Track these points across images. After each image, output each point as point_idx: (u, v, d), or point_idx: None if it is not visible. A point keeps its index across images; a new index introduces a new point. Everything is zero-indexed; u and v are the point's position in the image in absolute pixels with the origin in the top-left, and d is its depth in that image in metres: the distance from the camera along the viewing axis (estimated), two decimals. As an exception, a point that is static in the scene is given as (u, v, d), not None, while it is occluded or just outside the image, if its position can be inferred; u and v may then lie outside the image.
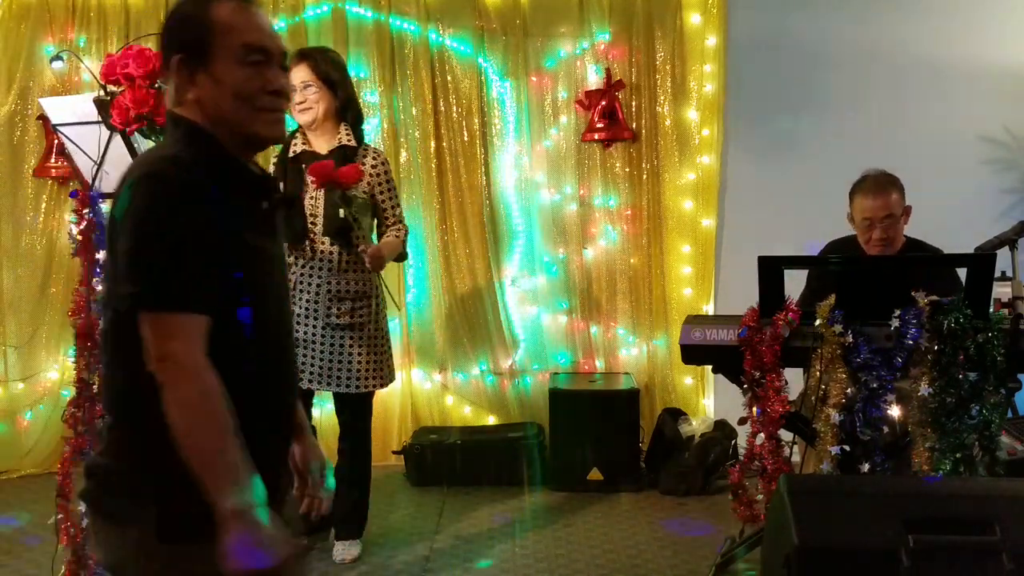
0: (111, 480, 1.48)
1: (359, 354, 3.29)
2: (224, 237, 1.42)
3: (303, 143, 3.30)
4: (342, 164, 3.17)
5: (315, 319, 3.27)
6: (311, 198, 3.26)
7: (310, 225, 3.25)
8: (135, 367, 1.42)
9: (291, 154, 3.31)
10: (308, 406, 3.49)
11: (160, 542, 1.40)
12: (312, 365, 3.28)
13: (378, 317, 3.37)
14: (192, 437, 1.34)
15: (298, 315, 3.28)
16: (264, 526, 1.34)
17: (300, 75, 3.22)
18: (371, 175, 3.29)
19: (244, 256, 1.46)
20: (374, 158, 3.32)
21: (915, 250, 3.20)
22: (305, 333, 3.28)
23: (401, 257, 3.45)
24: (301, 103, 3.23)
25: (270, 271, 1.55)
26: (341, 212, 3.17)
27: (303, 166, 3.25)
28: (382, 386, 3.41)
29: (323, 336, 3.27)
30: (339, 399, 3.41)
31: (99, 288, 2.66)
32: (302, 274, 3.29)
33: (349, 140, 3.27)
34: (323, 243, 3.26)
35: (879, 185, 3.15)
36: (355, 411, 3.40)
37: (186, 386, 1.35)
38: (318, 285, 3.27)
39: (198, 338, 1.37)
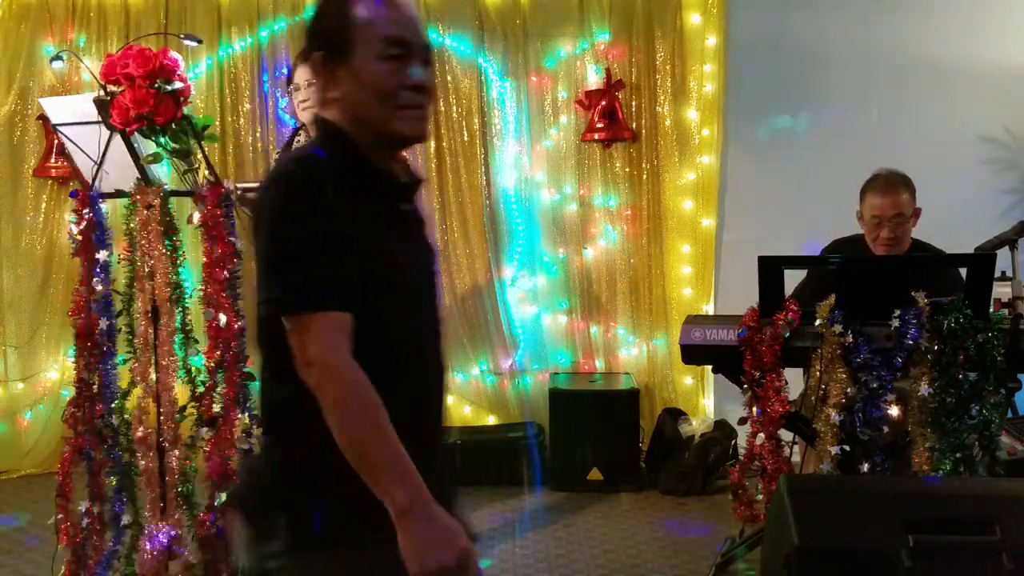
0: (257, 484, 1.47)
1: None
2: (353, 240, 1.36)
3: (305, 140, 3.31)
4: None
5: None
6: None
7: None
8: (274, 375, 1.43)
9: None
10: None
11: (294, 550, 1.37)
12: None
13: None
14: (348, 437, 1.29)
15: None
16: (438, 519, 1.28)
17: (305, 74, 3.22)
18: None
19: (376, 260, 1.39)
20: None
21: (921, 251, 3.19)
22: None
23: None
24: (304, 101, 3.24)
25: (407, 276, 1.47)
26: None
27: None
28: None
29: None
30: None
31: (99, 288, 2.66)
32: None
33: None
34: None
35: (891, 184, 3.14)
36: None
37: (334, 387, 1.30)
38: None
39: (340, 336, 1.32)
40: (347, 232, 1.35)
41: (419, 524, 1.26)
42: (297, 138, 3.34)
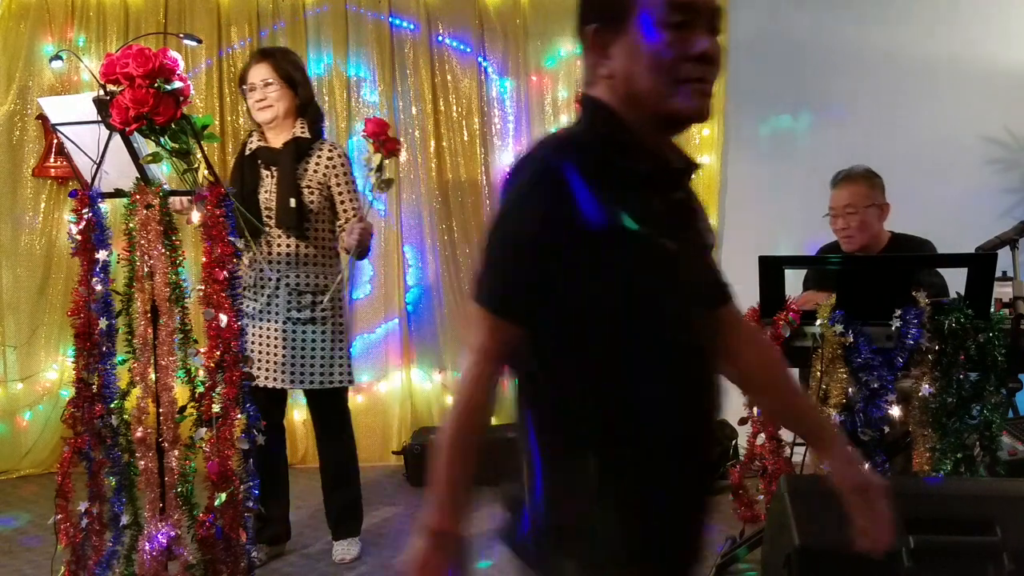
0: (518, 510, 1.36)
1: (323, 349, 3.26)
2: (601, 235, 1.21)
3: (259, 140, 3.31)
4: (297, 155, 3.21)
5: (276, 314, 3.25)
6: (266, 191, 3.26)
7: (266, 219, 3.24)
8: (521, 381, 1.33)
9: (248, 151, 3.33)
10: (282, 406, 3.43)
11: None
12: (276, 363, 3.24)
13: (341, 311, 3.36)
14: (442, 431, 1.31)
15: (259, 311, 3.25)
16: (437, 555, 1.26)
17: (261, 73, 3.23)
18: (327, 166, 3.26)
19: (629, 254, 1.24)
20: (331, 150, 3.29)
21: (899, 245, 3.21)
22: (267, 329, 3.25)
23: (362, 254, 3.34)
24: (261, 101, 3.24)
25: (670, 274, 1.28)
26: (292, 202, 3.17)
27: (259, 162, 3.27)
28: (350, 382, 3.38)
29: (284, 332, 3.24)
30: (309, 396, 3.38)
31: (98, 288, 2.66)
32: (261, 269, 3.27)
33: (303, 133, 3.26)
34: (279, 236, 3.25)
35: (845, 177, 3.19)
36: (327, 407, 3.37)
37: (461, 385, 1.30)
38: (277, 280, 3.25)
39: (495, 345, 1.25)
40: (585, 228, 1.20)
41: (426, 547, 1.26)
42: (249, 140, 3.36)
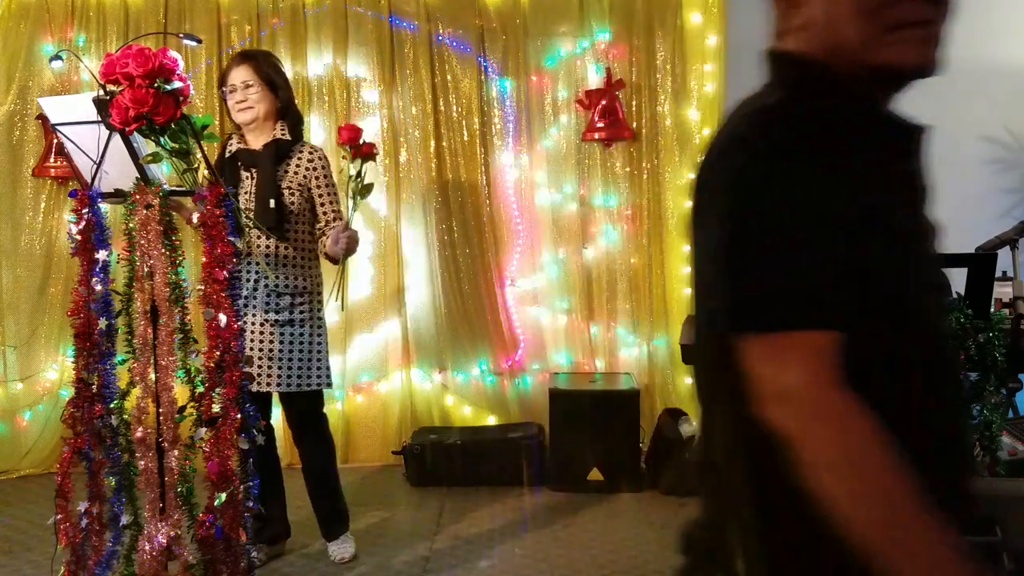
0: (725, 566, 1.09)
1: (300, 351, 3.26)
2: (860, 219, 0.97)
3: (239, 142, 3.33)
4: (276, 157, 3.23)
5: (253, 315, 3.24)
6: (246, 193, 3.26)
7: (245, 221, 3.24)
8: (741, 412, 1.02)
9: (228, 153, 3.34)
10: (267, 407, 3.38)
11: None
12: (254, 364, 3.22)
13: (320, 314, 3.36)
14: (858, 514, 0.90)
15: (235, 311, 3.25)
16: None
17: (241, 75, 3.24)
18: (307, 168, 3.27)
19: (889, 244, 1.00)
20: (311, 153, 3.31)
21: None
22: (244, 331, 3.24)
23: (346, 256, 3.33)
24: (242, 102, 3.25)
25: (929, 264, 1.08)
26: (271, 203, 3.18)
27: (239, 164, 3.29)
28: (328, 385, 3.38)
29: (262, 333, 3.23)
30: (286, 399, 3.37)
31: (98, 288, 2.66)
32: (238, 269, 3.26)
33: (284, 135, 3.28)
34: (258, 237, 3.24)
35: None
36: (306, 409, 3.37)
37: (827, 437, 0.92)
38: (255, 280, 3.25)
39: (830, 364, 0.94)
40: (844, 209, 0.97)
41: None
42: (229, 142, 3.36)
